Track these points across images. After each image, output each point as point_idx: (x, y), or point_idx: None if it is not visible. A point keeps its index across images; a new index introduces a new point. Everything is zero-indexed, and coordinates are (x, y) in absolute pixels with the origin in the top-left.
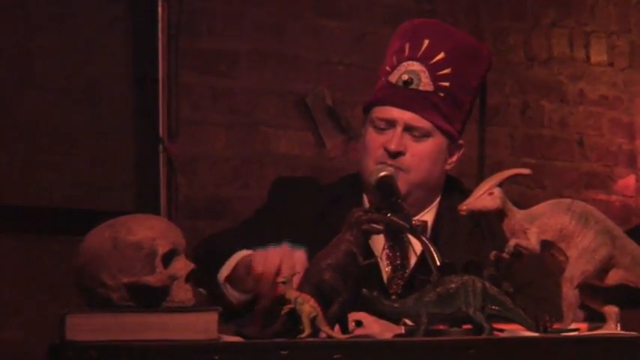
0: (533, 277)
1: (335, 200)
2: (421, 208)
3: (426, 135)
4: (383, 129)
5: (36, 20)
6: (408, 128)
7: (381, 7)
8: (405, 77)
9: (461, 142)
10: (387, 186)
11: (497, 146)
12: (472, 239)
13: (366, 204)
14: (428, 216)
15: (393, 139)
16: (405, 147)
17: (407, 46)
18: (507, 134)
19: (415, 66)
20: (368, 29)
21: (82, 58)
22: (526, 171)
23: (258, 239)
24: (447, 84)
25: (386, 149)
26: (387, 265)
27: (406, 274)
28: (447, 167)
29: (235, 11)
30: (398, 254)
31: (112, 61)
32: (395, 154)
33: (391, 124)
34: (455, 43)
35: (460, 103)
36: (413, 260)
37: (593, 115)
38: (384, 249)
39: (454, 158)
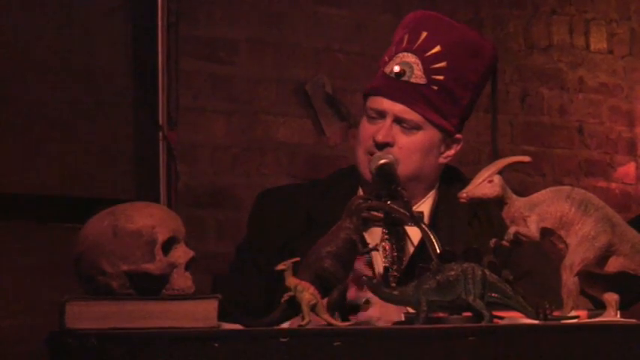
0: (532, 265)
1: (321, 197)
2: (415, 199)
3: (415, 127)
4: (374, 119)
5: (35, 7)
6: (398, 120)
7: None
8: (397, 69)
9: (459, 136)
10: (386, 174)
11: (497, 134)
12: (471, 228)
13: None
14: (423, 207)
15: (382, 130)
16: (393, 138)
17: (406, 37)
18: (507, 122)
19: (409, 58)
20: (368, 17)
21: (81, 46)
22: (526, 158)
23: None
24: (441, 77)
25: (373, 140)
26: (384, 257)
27: (402, 266)
28: (443, 161)
29: None
30: (394, 246)
31: (112, 49)
32: (381, 145)
33: (382, 114)
34: (454, 37)
35: (457, 97)
36: (410, 252)
37: (592, 103)
38: (381, 241)
39: (451, 152)
